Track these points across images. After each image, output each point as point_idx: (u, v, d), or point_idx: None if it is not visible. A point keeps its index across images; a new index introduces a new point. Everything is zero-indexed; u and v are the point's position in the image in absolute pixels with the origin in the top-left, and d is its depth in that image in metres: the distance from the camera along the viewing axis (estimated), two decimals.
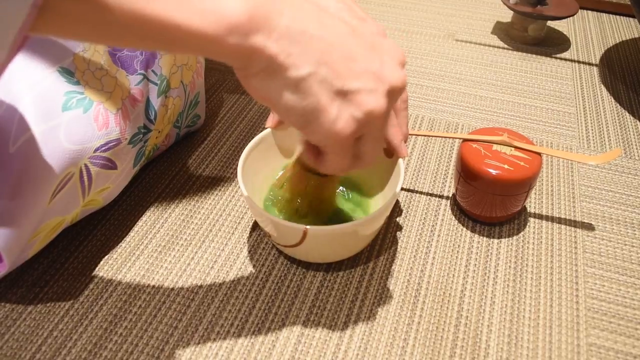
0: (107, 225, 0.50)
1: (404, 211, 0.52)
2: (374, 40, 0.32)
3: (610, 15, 0.90)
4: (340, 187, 0.50)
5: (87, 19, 0.23)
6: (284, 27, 0.27)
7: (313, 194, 0.45)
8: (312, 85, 0.28)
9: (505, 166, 0.45)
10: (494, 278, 0.46)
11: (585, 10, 0.92)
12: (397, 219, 0.51)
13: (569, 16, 0.76)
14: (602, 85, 0.72)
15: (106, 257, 0.47)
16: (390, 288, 0.45)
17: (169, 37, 0.25)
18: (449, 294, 0.45)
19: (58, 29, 0.23)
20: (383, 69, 0.31)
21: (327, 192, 0.46)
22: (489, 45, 0.81)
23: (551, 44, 0.81)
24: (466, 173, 0.47)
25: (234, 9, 0.26)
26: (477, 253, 0.48)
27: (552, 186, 0.55)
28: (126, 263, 0.47)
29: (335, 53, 0.29)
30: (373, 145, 0.34)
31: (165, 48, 0.26)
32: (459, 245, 0.49)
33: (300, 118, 0.30)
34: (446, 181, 0.56)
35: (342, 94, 0.29)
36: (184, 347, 0.41)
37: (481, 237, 0.50)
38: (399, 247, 0.49)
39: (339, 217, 0.48)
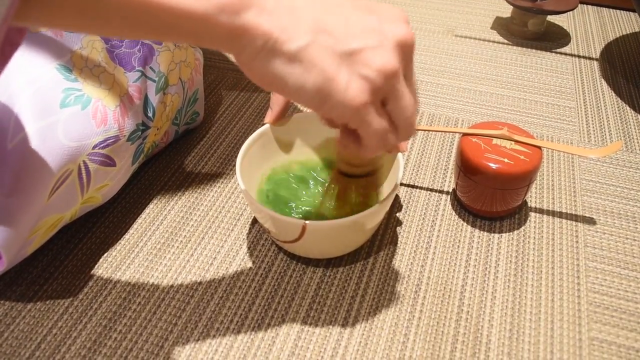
0: (106, 222, 0.50)
1: (404, 206, 0.52)
2: (369, 4, 0.30)
3: (610, 10, 0.90)
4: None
5: (72, 4, 0.22)
6: (273, 2, 0.27)
7: (361, 197, 0.44)
8: (313, 54, 0.27)
9: (506, 160, 0.45)
10: (494, 273, 0.46)
11: (584, 5, 0.91)
12: (397, 214, 0.51)
13: (569, 10, 0.75)
14: (603, 79, 0.71)
15: (105, 254, 0.47)
16: (391, 283, 0.45)
17: (158, 21, 0.25)
18: (450, 289, 0.45)
19: (44, 18, 0.23)
20: (383, 26, 0.29)
21: (373, 192, 0.44)
22: (489, 41, 0.80)
23: (551, 39, 0.81)
24: (466, 167, 0.47)
25: None
26: (477, 248, 0.48)
27: (552, 180, 0.55)
28: (125, 260, 0.47)
29: (329, 19, 0.28)
30: (401, 105, 0.31)
31: (156, 34, 0.26)
32: (459, 240, 0.49)
33: (315, 95, 0.28)
34: (446, 176, 0.56)
35: (347, 56, 0.28)
36: (183, 343, 0.41)
37: (482, 232, 0.49)
38: (399, 242, 0.48)
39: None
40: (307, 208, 0.47)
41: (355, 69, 0.28)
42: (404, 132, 0.32)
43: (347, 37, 0.28)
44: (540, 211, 0.52)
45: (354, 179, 0.41)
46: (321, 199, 0.47)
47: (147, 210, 0.51)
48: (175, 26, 0.25)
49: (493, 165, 0.45)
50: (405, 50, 0.29)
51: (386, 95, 0.30)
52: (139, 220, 0.50)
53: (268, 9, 0.27)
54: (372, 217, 0.41)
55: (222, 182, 0.55)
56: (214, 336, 0.41)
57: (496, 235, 0.49)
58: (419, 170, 0.57)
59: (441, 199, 0.53)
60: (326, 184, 0.47)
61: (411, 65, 0.31)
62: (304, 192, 0.49)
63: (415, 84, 0.33)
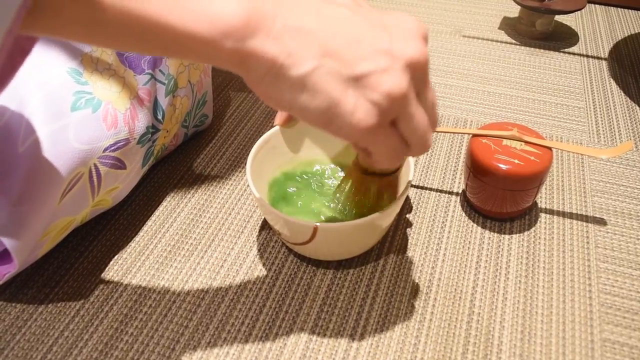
0: (117, 225, 0.50)
1: (413, 208, 0.52)
2: (381, 18, 0.29)
3: (619, 9, 0.89)
4: None
5: (80, 18, 0.22)
6: (280, 27, 0.27)
7: (377, 196, 0.43)
8: (319, 79, 0.27)
9: (516, 161, 0.45)
10: (505, 274, 0.46)
11: (592, 4, 0.91)
12: (407, 216, 0.51)
13: (577, 10, 0.75)
14: (612, 79, 0.71)
15: (116, 257, 0.47)
16: (401, 285, 0.45)
17: (165, 40, 0.25)
18: (460, 290, 0.44)
19: (51, 29, 0.23)
20: (393, 45, 0.28)
21: (390, 191, 0.43)
22: (497, 41, 0.80)
23: (559, 39, 0.81)
24: (476, 168, 0.47)
25: (229, 13, 0.25)
26: (488, 249, 0.48)
27: (562, 181, 0.55)
28: (136, 263, 0.47)
29: (337, 41, 0.27)
30: (412, 126, 0.30)
31: (163, 52, 0.26)
32: (469, 242, 0.49)
33: (321, 117, 0.28)
34: (456, 177, 0.56)
35: (354, 80, 0.28)
36: (194, 346, 0.41)
37: (492, 233, 0.49)
38: (409, 244, 0.48)
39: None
40: (316, 210, 0.47)
41: (362, 93, 0.28)
42: (417, 149, 0.32)
43: (354, 60, 0.27)
44: (551, 212, 0.51)
45: (371, 176, 0.41)
46: (334, 191, 0.46)
47: (157, 213, 0.52)
48: (180, 47, 0.25)
49: (503, 166, 0.45)
50: (417, 69, 0.29)
51: (396, 116, 0.29)
52: (149, 223, 0.51)
53: (274, 34, 0.26)
54: (382, 219, 0.41)
55: (231, 184, 0.55)
56: (225, 339, 0.41)
57: (506, 237, 0.49)
58: (429, 171, 0.56)
59: (451, 200, 0.53)
60: (342, 177, 0.46)
61: (426, 82, 0.30)
62: (313, 194, 0.49)
63: (433, 99, 0.32)
